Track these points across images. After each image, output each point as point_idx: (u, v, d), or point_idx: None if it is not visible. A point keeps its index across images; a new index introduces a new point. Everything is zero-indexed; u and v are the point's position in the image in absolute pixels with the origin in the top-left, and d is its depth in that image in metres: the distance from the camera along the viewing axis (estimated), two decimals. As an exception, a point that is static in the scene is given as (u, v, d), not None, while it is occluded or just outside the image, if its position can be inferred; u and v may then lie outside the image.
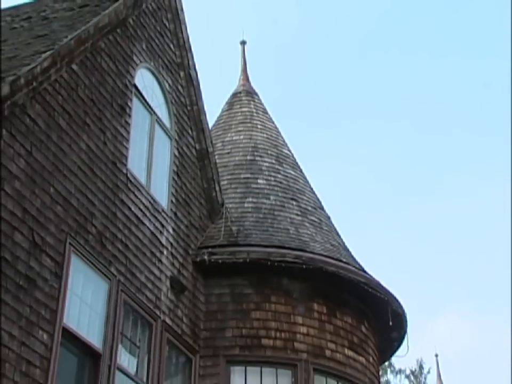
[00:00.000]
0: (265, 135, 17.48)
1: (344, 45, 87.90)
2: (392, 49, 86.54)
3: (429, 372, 46.84)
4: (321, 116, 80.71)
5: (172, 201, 13.95)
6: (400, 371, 48.10)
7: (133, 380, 11.97)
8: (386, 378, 45.29)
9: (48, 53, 10.92)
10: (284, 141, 17.82)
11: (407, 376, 48.57)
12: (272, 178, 16.39)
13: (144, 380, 12.18)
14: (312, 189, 17.07)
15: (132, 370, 12.05)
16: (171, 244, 13.55)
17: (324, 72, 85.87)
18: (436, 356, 48.71)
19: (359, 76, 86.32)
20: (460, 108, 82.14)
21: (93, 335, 11.20)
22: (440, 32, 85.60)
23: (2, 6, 14.79)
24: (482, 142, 78.62)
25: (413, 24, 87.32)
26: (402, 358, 45.75)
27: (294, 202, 15.94)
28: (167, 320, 12.91)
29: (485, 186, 76.77)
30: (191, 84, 15.26)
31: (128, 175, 12.69)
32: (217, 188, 15.25)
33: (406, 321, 15.55)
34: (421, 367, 48.16)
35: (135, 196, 12.77)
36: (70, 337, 10.65)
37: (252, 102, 18.39)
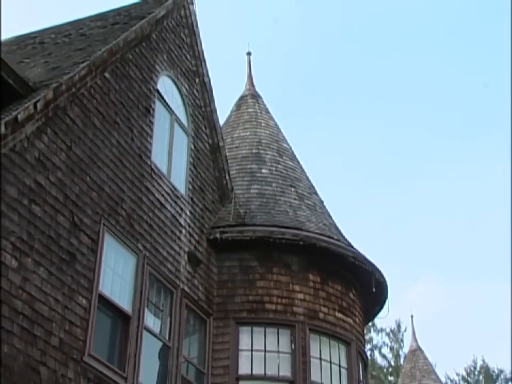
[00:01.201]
0: (267, 132, 17.48)
1: (342, 45, 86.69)
2: (393, 47, 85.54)
3: (405, 331, 47.35)
4: (317, 112, 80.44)
5: (189, 188, 13.95)
6: (381, 330, 48.63)
7: (157, 338, 12.08)
8: (369, 336, 45.53)
9: (85, 63, 11.06)
10: (283, 137, 17.79)
11: (387, 334, 49.02)
12: (274, 169, 16.37)
13: (167, 338, 12.27)
14: (307, 177, 17.02)
15: (156, 330, 12.11)
16: (188, 224, 13.56)
17: (320, 71, 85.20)
18: (411, 317, 48.69)
19: (356, 74, 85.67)
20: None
21: (123, 300, 11.29)
22: (441, 31, 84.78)
23: (48, 25, 15.00)
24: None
25: (414, 24, 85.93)
26: (383, 319, 46.23)
27: (292, 189, 15.91)
28: (186, 289, 12.96)
29: (461, 166, 76.77)
30: (204, 89, 15.26)
31: (152, 166, 12.75)
32: (227, 177, 15.22)
33: (387, 288, 15.58)
34: (398, 326, 48.61)
35: (158, 183, 12.83)
36: (105, 302, 10.78)
37: (256, 104, 18.38)
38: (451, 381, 49.97)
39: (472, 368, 51.45)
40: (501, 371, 50.61)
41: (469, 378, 51.30)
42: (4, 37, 14.03)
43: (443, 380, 38.55)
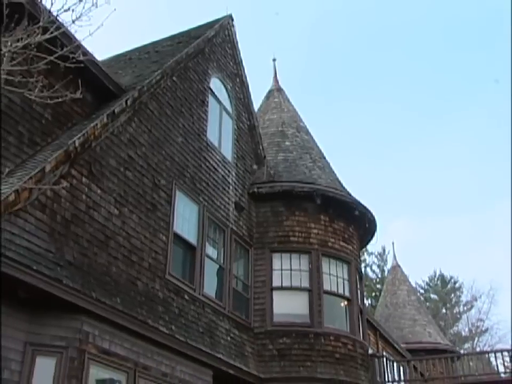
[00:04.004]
0: (289, 115, 17.39)
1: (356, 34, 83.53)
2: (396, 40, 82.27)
3: (388, 253, 47.68)
4: (326, 94, 79.67)
5: (234, 156, 13.96)
6: (371, 253, 48.89)
7: (215, 262, 12.20)
8: (363, 257, 45.73)
9: (159, 71, 11.12)
10: (300, 118, 17.70)
11: (376, 256, 49.37)
12: (294, 141, 16.28)
13: (222, 262, 12.39)
14: (318, 146, 16.95)
15: (214, 256, 12.21)
16: (234, 182, 13.60)
17: (332, 60, 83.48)
18: (393, 243, 49.75)
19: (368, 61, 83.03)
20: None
21: (190, 236, 11.41)
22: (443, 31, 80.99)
23: (134, 47, 15.07)
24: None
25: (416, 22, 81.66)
26: (373, 245, 46.70)
27: (308, 155, 15.84)
28: (233, 228, 13.05)
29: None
30: (243, 86, 15.20)
31: (207, 141, 12.78)
32: (260, 148, 15.20)
33: (376, 224, 15.55)
34: (383, 250, 48.92)
35: (212, 154, 12.87)
36: (178, 238, 10.92)
37: (280, 95, 18.30)
38: (419, 285, 50.47)
39: (432, 276, 52.10)
40: (451, 277, 51.64)
41: (430, 283, 51.86)
42: (106, 57, 14.22)
43: (413, 285, 38.85)
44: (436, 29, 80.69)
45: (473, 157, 75.83)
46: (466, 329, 48.36)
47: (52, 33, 6.04)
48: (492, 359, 15.58)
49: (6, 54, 5.52)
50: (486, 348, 43.06)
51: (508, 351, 14.92)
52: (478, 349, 43.34)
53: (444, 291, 50.73)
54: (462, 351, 35.35)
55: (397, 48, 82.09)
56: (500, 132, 75.62)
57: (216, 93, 13.81)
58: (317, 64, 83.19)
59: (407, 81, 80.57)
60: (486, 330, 47.17)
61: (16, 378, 7.19)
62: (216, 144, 13.23)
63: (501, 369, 14.23)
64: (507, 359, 14.50)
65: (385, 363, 14.61)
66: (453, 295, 50.89)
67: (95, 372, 8.02)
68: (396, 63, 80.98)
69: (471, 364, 16.18)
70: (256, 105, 16.59)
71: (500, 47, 74.22)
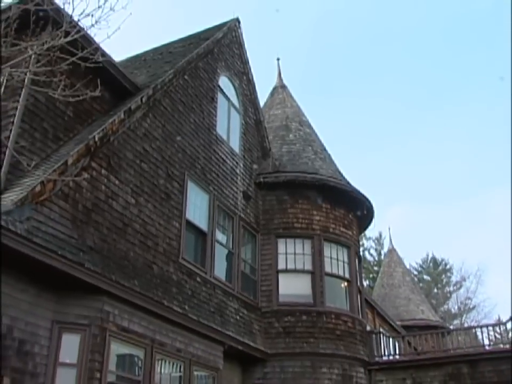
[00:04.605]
0: (292, 110, 17.29)
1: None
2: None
3: (385, 238, 47.51)
4: (330, 89, 79.23)
5: (241, 149, 13.93)
6: (369, 238, 48.73)
7: (224, 247, 12.20)
8: (362, 242, 45.68)
9: (172, 70, 11.12)
10: (303, 113, 17.61)
11: (373, 240, 49.19)
12: (297, 134, 16.19)
13: (231, 247, 12.41)
14: (320, 139, 16.85)
15: (223, 242, 12.21)
16: (242, 173, 13.58)
17: (333, 57, 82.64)
18: (389, 228, 49.25)
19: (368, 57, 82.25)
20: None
21: (202, 223, 11.41)
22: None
23: (148, 48, 15.05)
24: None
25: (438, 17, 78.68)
26: (371, 231, 46.53)
27: (310, 147, 15.77)
28: (241, 215, 13.05)
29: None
30: (249, 83, 15.14)
31: (217, 135, 12.76)
32: (266, 141, 15.16)
33: (373, 210, 15.52)
34: (380, 235, 48.74)
35: (221, 146, 12.85)
36: (190, 225, 10.94)
37: (284, 92, 18.19)
38: (413, 267, 50.48)
39: (425, 259, 52.15)
40: (443, 259, 51.58)
41: (423, 265, 51.89)
42: (122, 58, 14.20)
43: (408, 267, 38.89)
44: (437, 26, 79.56)
45: (464, 150, 75.44)
46: (456, 307, 48.60)
47: (73, 36, 6.09)
48: (478, 333, 15.69)
49: (33, 56, 5.56)
50: (473, 324, 43.22)
51: (492, 325, 15.09)
52: (466, 325, 43.41)
53: (435, 272, 50.81)
54: (451, 327, 35.36)
55: (398, 45, 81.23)
56: (492, 126, 75.10)
57: (224, 90, 13.76)
58: (318, 61, 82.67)
59: (407, 78, 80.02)
60: (473, 307, 47.53)
61: (45, 352, 7.35)
62: (224, 137, 13.20)
63: (486, 342, 14.38)
64: (492, 333, 14.64)
65: (381, 339, 14.68)
66: (443, 276, 50.99)
67: (116, 347, 8.13)
68: (396, 60, 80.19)
69: (459, 338, 16.23)
70: (261, 101, 16.54)
71: (499, 42, 73.15)
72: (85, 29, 6.21)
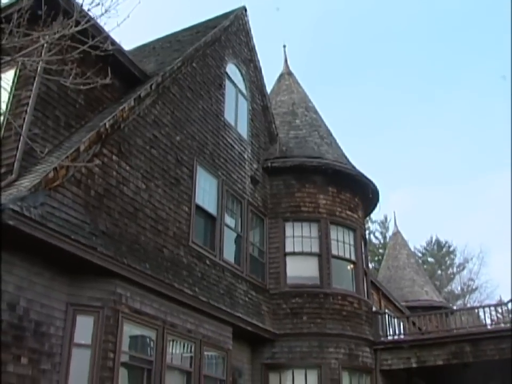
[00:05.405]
0: (298, 96, 17.22)
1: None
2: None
3: (390, 221, 47.17)
4: (334, 79, 78.76)
5: (249, 135, 13.90)
6: (375, 221, 48.64)
7: (233, 230, 12.23)
8: (368, 225, 45.65)
9: (180, 58, 11.07)
10: (309, 99, 17.53)
11: (379, 224, 49.07)
12: (303, 120, 16.12)
13: (239, 230, 12.43)
14: (326, 124, 16.78)
15: (232, 225, 12.24)
16: (250, 158, 13.57)
17: (338, 47, 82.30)
18: (394, 212, 49.68)
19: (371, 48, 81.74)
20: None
21: (211, 207, 11.42)
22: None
23: (157, 37, 14.99)
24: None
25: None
26: (376, 214, 46.45)
27: (316, 133, 15.69)
28: (250, 199, 13.05)
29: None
30: (256, 70, 15.06)
31: (225, 121, 12.73)
32: (273, 126, 15.11)
33: (378, 194, 15.46)
34: (385, 218, 48.52)
35: (229, 132, 12.83)
36: (199, 209, 10.96)
37: (290, 78, 18.10)
38: (417, 250, 50.34)
39: (429, 241, 52.04)
40: (446, 242, 51.36)
41: (427, 248, 51.83)
42: (132, 47, 14.12)
43: (412, 249, 38.82)
44: (439, 22, 78.75)
45: (465, 134, 74.87)
46: (459, 288, 48.66)
47: (83, 25, 6.09)
48: (481, 313, 15.74)
49: (45, 46, 5.56)
50: (476, 304, 43.31)
51: (494, 306, 15.14)
52: (468, 305, 43.50)
53: (439, 254, 50.79)
54: (454, 307, 35.39)
55: (399, 38, 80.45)
56: (493, 111, 74.28)
57: (232, 77, 13.71)
58: (321, 52, 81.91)
59: (409, 66, 79.19)
60: (476, 288, 47.59)
61: (60, 333, 7.45)
62: (232, 123, 13.17)
63: (488, 321, 14.43)
64: (493, 313, 14.70)
65: (387, 319, 14.73)
66: (447, 258, 50.97)
67: (128, 329, 8.22)
68: (395, 54, 79.38)
69: (462, 318, 16.26)
70: (268, 87, 16.47)
71: (499, 38, 72.25)
72: (95, 18, 6.20)
